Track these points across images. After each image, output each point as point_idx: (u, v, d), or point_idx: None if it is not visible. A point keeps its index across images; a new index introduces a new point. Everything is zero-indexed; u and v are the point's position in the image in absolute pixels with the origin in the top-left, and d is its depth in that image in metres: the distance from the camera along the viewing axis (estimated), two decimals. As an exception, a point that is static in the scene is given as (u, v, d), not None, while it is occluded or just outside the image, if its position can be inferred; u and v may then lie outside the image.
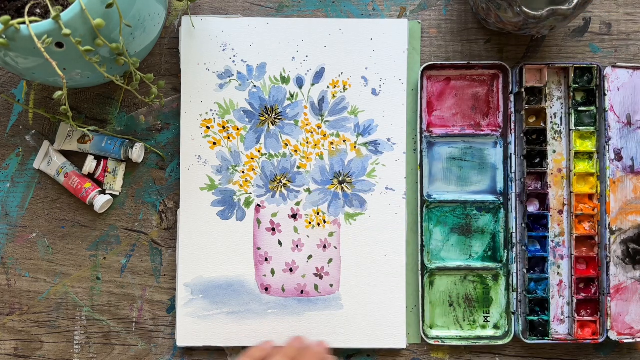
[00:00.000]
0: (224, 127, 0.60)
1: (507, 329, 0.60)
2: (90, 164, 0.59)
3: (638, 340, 0.58)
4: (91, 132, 0.59)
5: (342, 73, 0.60)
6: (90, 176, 0.60)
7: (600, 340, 0.58)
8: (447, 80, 0.61)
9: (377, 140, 0.60)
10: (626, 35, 0.61)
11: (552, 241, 0.60)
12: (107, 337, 0.60)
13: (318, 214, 0.60)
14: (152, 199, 0.61)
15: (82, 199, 0.59)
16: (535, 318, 0.58)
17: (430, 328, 0.60)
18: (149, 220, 0.61)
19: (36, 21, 0.45)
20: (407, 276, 0.59)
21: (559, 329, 0.59)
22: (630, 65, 0.59)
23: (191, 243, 0.59)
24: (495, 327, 0.60)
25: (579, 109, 0.59)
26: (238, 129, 0.60)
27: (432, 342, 0.59)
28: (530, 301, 0.59)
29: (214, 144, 0.60)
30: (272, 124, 0.60)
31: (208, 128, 0.59)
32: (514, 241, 0.59)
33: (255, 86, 0.60)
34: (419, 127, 0.59)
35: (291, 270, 0.60)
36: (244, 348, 0.60)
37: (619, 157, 0.59)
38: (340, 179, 0.60)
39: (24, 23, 0.44)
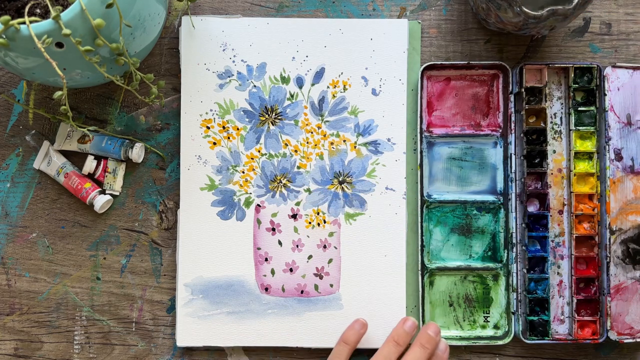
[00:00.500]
0: (224, 127, 0.60)
1: (507, 329, 0.60)
2: (90, 164, 0.59)
3: (638, 340, 0.58)
4: (91, 132, 0.59)
5: (342, 73, 0.60)
6: (90, 176, 0.60)
7: (600, 340, 0.58)
8: (447, 80, 0.61)
9: (377, 140, 0.60)
10: (626, 35, 0.61)
11: (552, 241, 0.60)
12: (107, 337, 0.60)
13: (318, 214, 0.60)
14: (152, 199, 0.61)
15: (82, 199, 0.59)
16: (535, 318, 0.58)
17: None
18: (149, 220, 0.61)
19: (36, 21, 0.45)
20: (407, 276, 0.60)
21: (559, 329, 0.59)
22: (630, 65, 0.59)
23: (191, 243, 0.59)
24: (495, 327, 0.60)
25: (579, 109, 0.59)
26: (238, 129, 0.60)
27: (432, 342, 0.59)
28: (530, 301, 0.59)
29: (214, 144, 0.60)
30: (272, 124, 0.60)
31: (208, 128, 0.60)
32: (514, 241, 0.59)
33: (255, 86, 0.60)
34: (419, 127, 0.59)
35: (291, 270, 0.60)
36: (244, 348, 0.60)
37: (619, 157, 0.59)
38: (340, 179, 0.60)
39: (24, 23, 0.44)
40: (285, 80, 0.60)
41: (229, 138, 0.60)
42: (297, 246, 0.60)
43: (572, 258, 0.59)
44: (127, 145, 0.59)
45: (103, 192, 0.60)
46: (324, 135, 0.60)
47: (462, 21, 0.61)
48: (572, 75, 0.59)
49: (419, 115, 0.59)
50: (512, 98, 0.59)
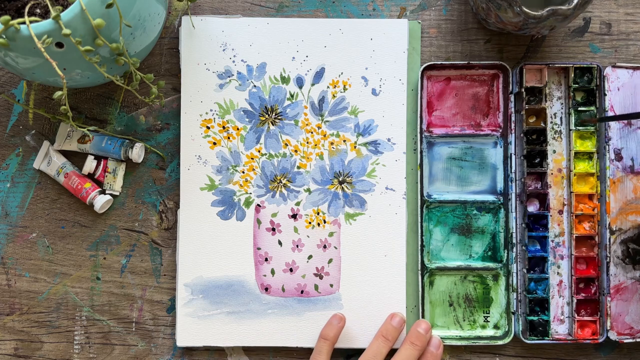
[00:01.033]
0: (224, 127, 0.60)
1: (507, 329, 0.60)
2: (90, 164, 0.59)
3: (638, 340, 0.58)
4: (91, 132, 0.59)
5: (342, 73, 0.60)
6: (90, 176, 0.60)
7: (600, 340, 0.58)
8: (447, 80, 0.61)
9: (377, 140, 0.60)
10: (626, 35, 0.61)
11: (552, 241, 0.60)
12: (107, 337, 0.60)
13: (318, 214, 0.60)
14: (152, 199, 0.61)
15: (82, 199, 0.59)
16: (535, 318, 0.58)
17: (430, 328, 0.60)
18: (149, 220, 0.61)
19: (36, 21, 0.45)
20: (407, 276, 0.60)
21: (559, 329, 0.59)
22: (630, 65, 0.59)
23: (191, 243, 0.59)
24: (495, 327, 0.60)
25: (579, 109, 0.59)
26: (238, 129, 0.60)
27: (432, 342, 0.59)
28: (530, 301, 0.59)
29: (214, 144, 0.60)
30: (272, 124, 0.60)
31: (208, 128, 0.60)
32: (514, 241, 0.59)
33: (255, 86, 0.60)
34: (419, 127, 0.59)
35: (291, 270, 0.60)
36: (244, 348, 0.60)
37: (619, 157, 0.59)
38: (340, 179, 0.60)
39: (24, 23, 0.44)
40: (285, 80, 0.60)
41: (229, 138, 0.60)
42: (297, 246, 0.60)
43: (572, 258, 0.59)
44: (127, 145, 0.59)
45: (103, 192, 0.60)
46: (324, 135, 0.60)
47: (462, 21, 0.61)
48: (572, 75, 0.59)
49: (419, 115, 0.59)
50: (512, 98, 0.59)
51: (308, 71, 0.60)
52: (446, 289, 0.60)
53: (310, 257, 0.60)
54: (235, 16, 0.60)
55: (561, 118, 0.60)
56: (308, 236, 0.60)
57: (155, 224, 0.61)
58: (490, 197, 0.60)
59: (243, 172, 0.60)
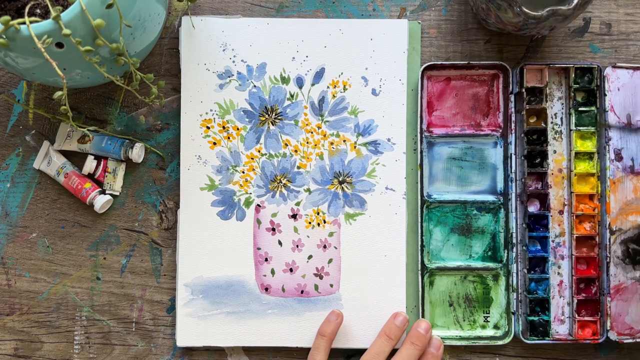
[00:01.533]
0: (224, 127, 0.60)
1: (507, 329, 0.60)
2: (90, 164, 0.59)
3: (638, 340, 0.58)
4: (91, 132, 0.59)
5: (342, 73, 0.60)
6: (90, 176, 0.60)
7: (600, 341, 0.58)
8: (447, 80, 0.61)
9: (377, 140, 0.60)
10: (626, 35, 0.61)
11: (553, 241, 0.60)
12: (107, 337, 0.60)
13: (318, 214, 0.60)
14: (152, 199, 0.61)
15: (82, 199, 0.59)
16: (535, 318, 0.58)
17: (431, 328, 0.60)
18: (149, 220, 0.61)
19: (36, 21, 0.45)
20: (407, 276, 0.59)
21: (560, 329, 0.59)
22: (631, 66, 0.59)
23: (191, 243, 0.59)
24: (495, 327, 0.60)
25: (580, 109, 0.59)
26: (238, 129, 0.60)
27: (432, 342, 0.59)
28: (531, 301, 0.59)
29: (214, 144, 0.60)
30: (272, 124, 0.60)
31: (208, 128, 0.60)
32: (514, 241, 0.59)
33: (255, 86, 0.60)
34: (419, 127, 0.59)
35: (291, 270, 0.60)
36: (244, 348, 0.60)
37: (619, 157, 0.59)
38: (340, 179, 0.60)
39: (24, 23, 0.44)
40: (285, 80, 0.60)
41: (229, 138, 0.60)
42: (297, 246, 0.60)
43: (573, 258, 0.59)
44: (127, 145, 0.59)
45: (103, 192, 0.60)
46: (324, 135, 0.60)
47: (462, 21, 0.61)
48: (573, 75, 0.59)
49: (419, 115, 0.59)
50: (512, 98, 0.59)
51: (308, 71, 0.60)
52: (446, 289, 0.60)
53: (310, 257, 0.60)
54: (235, 16, 0.60)
55: (562, 118, 0.60)
56: (308, 236, 0.60)
57: (155, 224, 0.61)
58: (491, 197, 0.60)
59: (243, 172, 0.60)
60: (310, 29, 0.60)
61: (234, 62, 0.60)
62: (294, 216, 0.60)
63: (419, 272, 0.59)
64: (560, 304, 0.60)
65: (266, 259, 0.59)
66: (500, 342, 0.59)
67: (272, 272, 0.59)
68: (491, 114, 0.60)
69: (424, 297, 0.59)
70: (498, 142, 0.60)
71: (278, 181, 0.60)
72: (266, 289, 0.59)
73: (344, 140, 0.60)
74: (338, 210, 0.60)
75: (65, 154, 0.61)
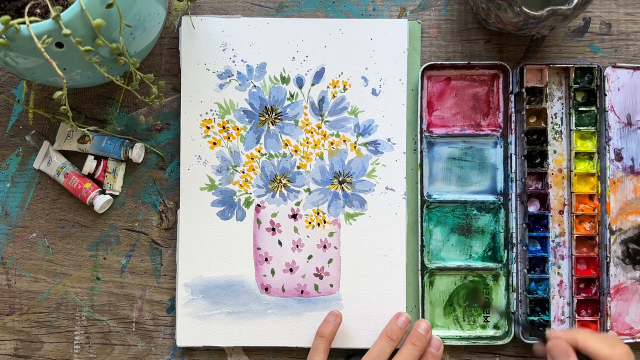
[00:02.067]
0: (224, 127, 0.60)
1: (507, 329, 0.60)
2: (90, 164, 0.59)
3: (638, 340, 0.58)
4: (91, 132, 0.59)
5: (342, 73, 0.60)
6: (90, 176, 0.60)
7: (601, 341, 0.58)
8: (447, 80, 0.61)
9: (377, 140, 0.60)
10: (626, 35, 0.61)
11: (553, 241, 0.60)
12: (107, 337, 0.60)
13: (318, 214, 0.60)
14: (152, 199, 0.61)
15: (82, 199, 0.59)
16: (535, 318, 0.58)
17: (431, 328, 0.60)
18: (149, 220, 0.61)
19: (36, 21, 0.45)
20: (407, 276, 0.59)
21: (560, 329, 0.59)
22: (631, 66, 0.59)
23: (191, 243, 0.59)
24: (495, 327, 0.60)
25: (580, 109, 0.59)
26: (238, 129, 0.60)
27: (432, 342, 0.59)
28: (531, 301, 0.59)
29: (214, 144, 0.60)
30: (272, 124, 0.60)
31: (208, 128, 0.60)
32: (514, 241, 0.59)
33: (255, 86, 0.60)
34: (419, 127, 0.59)
35: (291, 270, 0.60)
36: (244, 348, 0.60)
37: (619, 157, 0.59)
38: (340, 179, 0.60)
39: (24, 23, 0.44)
40: (285, 80, 0.60)
41: (229, 138, 0.60)
42: (297, 246, 0.60)
43: (573, 258, 0.59)
44: (127, 145, 0.59)
45: (103, 192, 0.60)
46: (324, 135, 0.60)
47: (462, 21, 0.61)
48: (573, 75, 0.59)
49: (419, 115, 0.59)
50: (512, 98, 0.59)
51: (308, 71, 0.60)
52: (446, 289, 0.60)
53: (310, 257, 0.60)
54: (235, 16, 0.60)
55: (562, 118, 0.60)
56: (308, 236, 0.60)
57: (155, 224, 0.61)
58: (491, 197, 0.60)
59: (243, 172, 0.60)
60: (310, 28, 0.60)
61: (234, 62, 0.60)
62: (294, 216, 0.60)
63: (419, 272, 0.59)
64: (560, 304, 0.60)
65: (266, 259, 0.59)
66: (500, 342, 0.59)
67: (272, 272, 0.59)
68: (491, 114, 0.60)
69: (424, 297, 0.59)
70: (498, 142, 0.60)
71: (278, 181, 0.60)
72: (266, 289, 0.59)
73: (344, 140, 0.60)
74: (338, 210, 0.60)
75: (65, 154, 0.61)
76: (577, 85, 0.59)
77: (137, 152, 0.59)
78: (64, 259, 0.61)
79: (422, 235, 0.59)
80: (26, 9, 0.46)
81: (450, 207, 0.60)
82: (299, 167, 0.60)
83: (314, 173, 0.60)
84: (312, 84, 0.60)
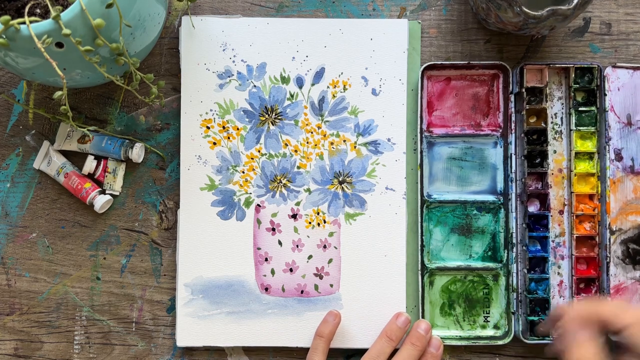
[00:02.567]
0: (224, 127, 0.60)
1: (507, 329, 0.59)
2: (90, 164, 0.59)
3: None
4: (91, 132, 0.59)
5: (342, 73, 0.60)
6: (90, 176, 0.60)
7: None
8: (447, 80, 0.61)
9: (377, 140, 0.60)
10: (626, 35, 0.61)
11: (553, 241, 0.60)
12: (107, 337, 0.60)
13: (318, 214, 0.60)
14: (152, 199, 0.61)
15: (82, 199, 0.59)
16: (535, 318, 0.58)
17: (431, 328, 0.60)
18: (149, 220, 0.61)
19: (36, 21, 0.45)
20: (407, 276, 0.59)
21: (559, 329, 0.59)
22: (631, 66, 0.59)
23: (191, 243, 0.59)
24: (495, 327, 0.60)
25: (580, 109, 0.59)
26: (238, 129, 0.60)
27: (432, 342, 0.59)
28: (531, 301, 0.59)
29: (214, 144, 0.60)
30: (272, 124, 0.60)
31: (208, 128, 0.60)
32: (514, 241, 0.59)
33: (255, 86, 0.60)
34: (419, 127, 0.59)
35: (291, 270, 0.60)
36: (244, 348, 0.60)
37: (619, 157, 0.59)
38: (340, 179, 0.60)
39: (24, 23, 0.44)
40: (285, 80, 0.60)
41: (229, 138, 0.60)
42: (297, 246, 0.60)
43: (573, 258, 0.59)
44: (127, 145, 0.59)
45: (103, 192, 0.60)
46: (324, 135, 0.60)
47: (462, 21, 0.61)
48: (573, 75, 0.59)
49: (419, 115, 0.59)
50: (512, 98, 0.59)
51: (308, 71, 0.60)
52: (446, 289, 0.60)
53: (310, 257, 0.60)
54: (235, 16, 0.60)
55: (562, 118, 0.60)
56: (308, 236, 0.60)
57: (155, 224, 0.61)
58: (491, 197, 0.60)
59: (243, 172, 0.60)
60: (310, 28, 0.60)
61: (234, 62, 0.60)
62: (294, 216, 0.60)
63: (419, 272, 0.59)
64: (561, 304, 0.60)
65: (266, 259, 0.59)
66: (500, 342, 0.59)
67: (272, 272, 0.59)
68: (491, 114, 0.60)
69: (424, 297, 0.59)
70: (498, 142, 0.60)
71: (278, 181, 0.60)
72: (266, 289, 0.59)
73: (344, 140, 0.60)
74: (338, 210, 0.60)
75: (65, 154, 0.61)
76: (577, 85, 0.59)
77: (137, 152, 0.59)
78: (64, 259, 0.61)
79: (422, 235, 0.59)
80: (26, 9, 0.46)
81: (450, 207, 0.60)
82: (299, 167, 0.60)
83: (314, 173, 0.60)
84: (312, 84, 0.60)
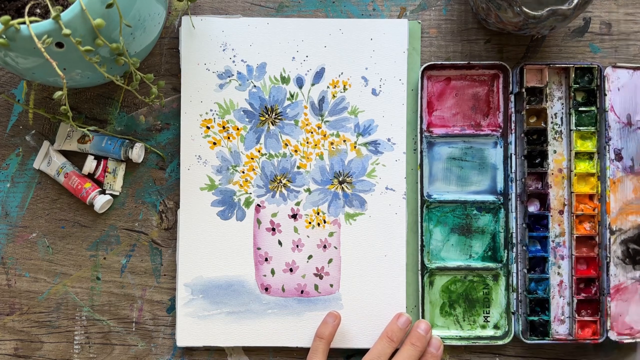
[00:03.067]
0: (224, 127, 0.60)
1: (507, 329, 0.60)
2: (90, 164, 0.59)
3: (638, 340, 0.58)
4: (91, 132, 0.59)
5: (342, 73, 0.60)
6: (90, 176, 0.60)
7: (600, 341, 0.58)
8: (447, 80, 0.61)
9: (377, 140, 0.60)
10: (626, 35, 0.61)
11: (553, 241, 0.60)
12: (107, 337, 0.60)
13: (318, 214, 0.60)
14: (152, 199, 0.61)
15: (82, 199, 0.59)
16: (535, 318, 0.58)
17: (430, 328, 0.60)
18: (149, 220, 0.61)
19: (36, 21, 0.45)
20: (407, 276, 0.59)
21: (560, 329, 0.59)
22: (631, 66, 0.59)
23: (191, 243, 0.59)
24: (495, 327, 0.60)
25: (580, 109, 0.59)
26: (238, 129, 0.60)
27: (432, 342, 0.59)
28: (531, 301, 0.59)
29: (214, 144, 0.60)
30: (272, 124, 0.60)
31: (208, 128, 0.60)
32: (514, 241, 0.59)
33: (255, 86, 0.60)
34: (419, 127, 0.59)
35: (291, 270, 0.60)
36: (244, 348, 0.60)
37: (619, 157, 0.59)
38: (340, 179, 0.60)
39: (24, 23, 0.44)
40: (285, 80, 0.60)
41: (229, 138, 0.60)
42: (297, 246, 0.60)
43: (573, 258, 0.59)
44: (127, 145, 0.59)
45: (103, 192, 0.60)
46: (324, 135, 0.60)
47: (462, 21, 0.61)
48: (573, 75, 0.59)
49: (419, 115, 0.59)
50: (512, 98, 0.59)
51: (308, 71, 0.60)
52: (446, 289, 0.60)
53: (310, 257, 0.60)
54: (235, 16, 0.60)
55: (562, 118, 0.60)
56: (308, 236, 0.60)
57: (155, 224, 0.61)
58: (491, 197, 0.60)
59: (243, 172, 0.60)
60: (310, 28, 0.60)
61: (234, 62, 0.60)
62: (294, 216, 0.60)
63: (419, 272, 0.59)
64: (560, 304, 0.60)
65: (266, 259, 0.59)
66: (500, 342, 0.59)
67: (272, 272, 0.59)
68: (491, 114, 0.60)
69: (424, 297, 0.59)
70: (498, 142, 0.60)
71: (278, 181, 0.60)
72: (266, 289, 0.59)
73: (344, 140, 0.60)
74: (338, 210, 0.60)
75: (65, 154, 0.61)
76: (577, 85, 0.59)
77: (137, 152, 0.59)
78: (64, 259, 0.61)
79: (422, 235, 0.59)
80: (26, 9, 0.46)
81: (450, 207, 0.60)
82: (299, 167, 0.60)
83: (314, 173, 0.60)
84: (312, 84, 0.60)
